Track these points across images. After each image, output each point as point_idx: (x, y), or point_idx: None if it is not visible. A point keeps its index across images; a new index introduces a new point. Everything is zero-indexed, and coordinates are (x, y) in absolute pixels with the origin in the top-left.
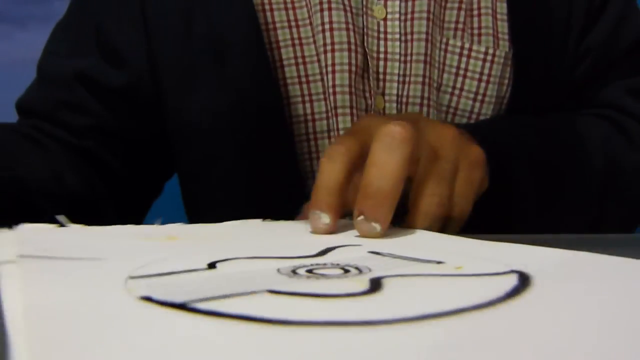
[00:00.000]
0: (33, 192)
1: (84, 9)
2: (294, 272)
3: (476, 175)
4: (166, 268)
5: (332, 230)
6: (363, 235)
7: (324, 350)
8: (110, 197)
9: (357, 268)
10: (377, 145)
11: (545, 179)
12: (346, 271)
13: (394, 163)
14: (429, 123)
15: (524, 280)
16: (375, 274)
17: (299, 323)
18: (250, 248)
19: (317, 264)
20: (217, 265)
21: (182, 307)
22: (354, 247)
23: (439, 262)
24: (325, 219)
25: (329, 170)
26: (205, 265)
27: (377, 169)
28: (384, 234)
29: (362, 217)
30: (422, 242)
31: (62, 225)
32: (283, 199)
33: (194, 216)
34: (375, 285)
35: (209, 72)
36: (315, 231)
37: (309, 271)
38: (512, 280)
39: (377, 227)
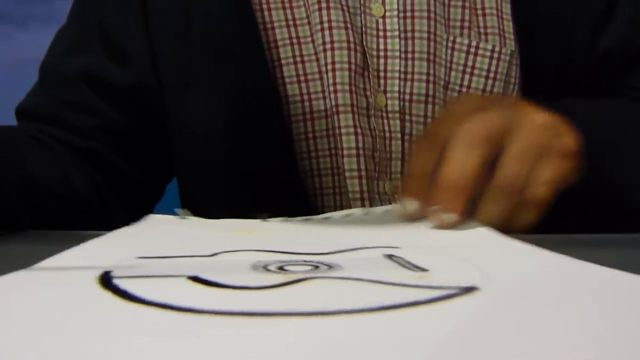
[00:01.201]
0: (42, 193)
1: (86, 9)
2: (265, 267)
3: (564, 164)
4: (179, 253)
5: (417, 216)
6: (438, 223)
7: (159, 328)
8: (116, 199)
9: (329, 266)
10: (456, 143)
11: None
12: (316, 267)
13: (471, 162)
14: (525, 109)
15: (454, 295)
16: (331, 273)
17: (160, 305)
18: (281, 243)
19: (293, 261)
20: (218, 254)
21: (105, 280)
22: (377, 249)
23: (422, 270)
24: (412, 205)
25: (419, 160)
26: (209, 253)
27: (454, 164)
28: (458, 223)
29: (437, 207)
30: (443, 245)
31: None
32: (282, 198)
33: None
34: (294, 282)
35: (207, 71)
36: (403, 217)
37: (280, 267)
38: (448, 294)
39: (452, 217)
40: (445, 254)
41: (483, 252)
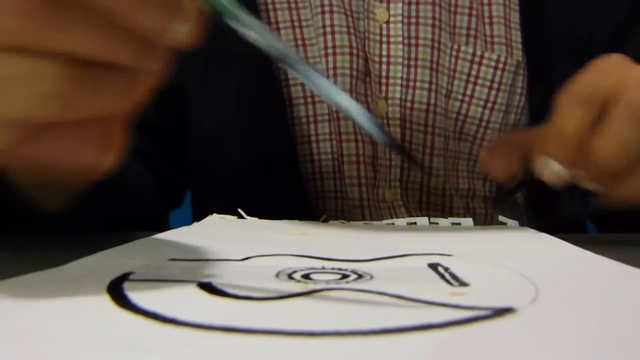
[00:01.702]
0: (124, 194)
1: None
2: (290, 274)
3: None
4: (213, 255)
5: (558, 179)
6: (546, 177)
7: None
8: (160, 196)
9: (360, 275)
10: (621, 116)
11: None
12: (344, 277)
13: (635, 142)
14: None
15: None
16: (356, 285)
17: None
18: (327, 247)
19: (323, 268)
20: (251, 258)
21: (115, 282)
22: (425, 256)
23: (462, 285)
24: (555, 167)
25: (571, 118)
26: (240, 257)
27: (614, 145)
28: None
29: (586, 175)
30: (500, 254)
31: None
32: (283, 200)
33: (200, 216)
34: (307, 293)
35: (212, 72)
36: (546, 179)
37: (305, 275)
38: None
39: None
40: (503, 264)
41: (543, 262)
